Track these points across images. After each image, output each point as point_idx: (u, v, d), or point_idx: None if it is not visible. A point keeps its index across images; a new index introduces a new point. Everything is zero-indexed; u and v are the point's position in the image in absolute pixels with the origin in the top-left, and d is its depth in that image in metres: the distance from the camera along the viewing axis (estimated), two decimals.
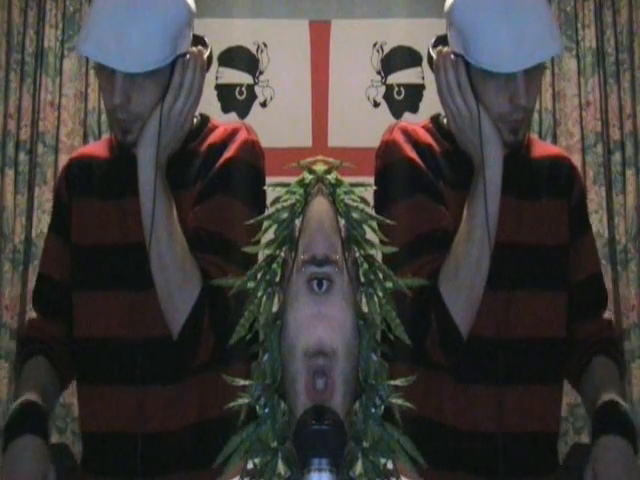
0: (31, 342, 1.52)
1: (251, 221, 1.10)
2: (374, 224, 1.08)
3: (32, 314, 1.59)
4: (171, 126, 1.42)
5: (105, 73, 1.43)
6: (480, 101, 1.41)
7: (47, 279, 1.56)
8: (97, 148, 1.61)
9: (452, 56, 1.43)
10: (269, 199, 1.15)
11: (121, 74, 1.40)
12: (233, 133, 1.53)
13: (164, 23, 1.40)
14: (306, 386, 1.00)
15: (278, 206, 1.07)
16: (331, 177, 1.07)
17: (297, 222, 1.06)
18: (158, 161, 1.40)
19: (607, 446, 1.34)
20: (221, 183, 1.48)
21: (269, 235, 1.08)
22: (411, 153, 1.49)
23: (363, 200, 1.08)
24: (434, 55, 1.46)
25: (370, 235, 1.08)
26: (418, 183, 1.48)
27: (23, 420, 1.35)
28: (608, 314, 1.61)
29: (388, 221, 1.10)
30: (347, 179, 1.09)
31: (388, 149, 1.52)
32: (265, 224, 1.07)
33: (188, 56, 1.44)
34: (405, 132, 1.53)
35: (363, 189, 1.10)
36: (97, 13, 1.42)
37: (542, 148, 1.60)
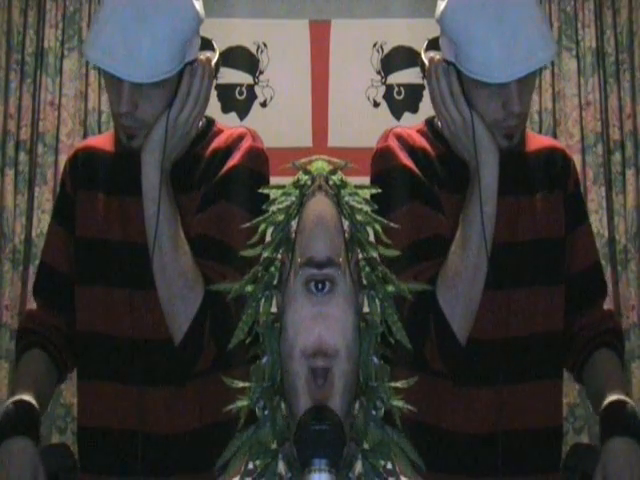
0: (28, 334, 1.51)
1: (247, 224, 1.09)
2: (378, 227, 1.08)
3: (32, 305, 1.58)
4: (177, 134, 1.41)
5: (112, 79, 1.41)
6: (473, 108, 1.40)
7: (49, 269, 1.55)
8: (102, 141, 1.59)
9: (444, 63, 1.41)
10: None
11: (129, 82, 1.38)
12: (238, 139, 1.51)
13: (174, 31, 1.37)
14: (307, 385, 0.99)
15: (274, 208, 1.07)
16: (336, 178, 1.07)
17: (293, 224, 1.06)
18: (163, 168, 1.39)
19: (616, 449, 1.31)
20: (225, 190, 1.46)
21: (267, 238, 1.08)
22: (406, 160, 1.47)
23: (367, 202, 1.08)
24: (426, 61, 1.45)
25: (372, 238, 1.08)
26: (414, 190, 1.46)
27: (15, 421, 1.34)
28: (607, 306, 1.60)
29: (392, 224, 1.09)
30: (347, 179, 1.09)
31: (382, 157, 1.50)
32: (261, 227, 1.07)
33: (196, 64, 1.42)
34: (400, 138, 1.50)
35: (367, 191, 1.09)
36: (106, 18, 1.39)
37: (536, 141, 1.57)
